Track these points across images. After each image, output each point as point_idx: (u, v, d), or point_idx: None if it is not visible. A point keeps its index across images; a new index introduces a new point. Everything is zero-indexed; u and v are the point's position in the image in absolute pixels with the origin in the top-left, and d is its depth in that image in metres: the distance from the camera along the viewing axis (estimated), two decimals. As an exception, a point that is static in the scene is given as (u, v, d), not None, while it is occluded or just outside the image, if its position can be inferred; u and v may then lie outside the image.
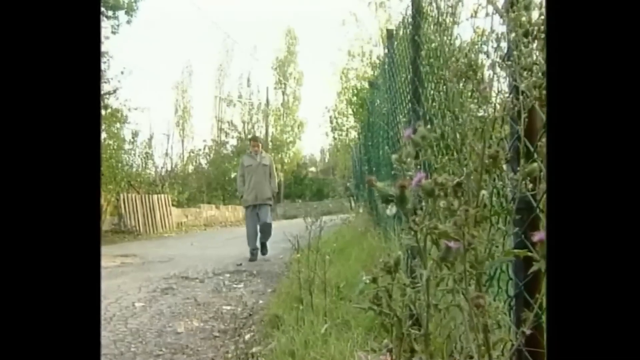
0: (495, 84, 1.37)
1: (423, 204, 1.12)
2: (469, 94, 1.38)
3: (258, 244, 9.56)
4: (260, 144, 10.05)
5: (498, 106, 1.31)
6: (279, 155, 35.03)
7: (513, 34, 1.21)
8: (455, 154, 1.49)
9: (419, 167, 1.24)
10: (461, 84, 1.28)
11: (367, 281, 1.27)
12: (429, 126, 1.27)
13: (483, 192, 1.15)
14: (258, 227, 9.54)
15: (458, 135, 1.28)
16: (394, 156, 1.25)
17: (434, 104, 2.73)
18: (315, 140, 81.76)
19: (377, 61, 14.23)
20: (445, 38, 2.74)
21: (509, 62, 1.22)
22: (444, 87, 2.66)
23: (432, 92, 3.24)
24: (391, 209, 1.07)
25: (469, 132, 1.23)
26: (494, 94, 1.36)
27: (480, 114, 1.34)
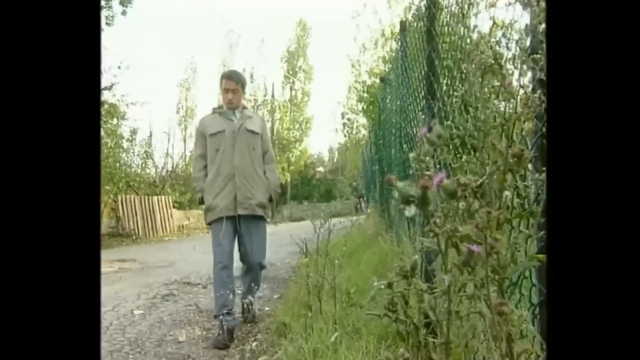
0: (517, 78, 1.37)
1: (441, 205, 1.12)
2: (491, 88, 1.37)
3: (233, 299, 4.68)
4: (239, 87, 4.94)
5: (520, 102, 1.31)
6: (286, 155, 35.00)
7: (543, 25, 1.20)
8: (473, 152, 1.49)
9: (438, 166, 1.24)
10: (485, 78, 1.28)
11: (382, 287, 1.27)
12: (447, 123, 1.27)
13: (506, 193, 1.15)
14: (242, 268, 5.07)
15: (479, 133, 1.27)
16: (411, 155, 1.24)
17: (454, 99, 2.72)
18: (323, 139, 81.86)
19: (389, 55, 14.21)
20: (463, 30, 2.73)
21: (538, 55, 1.21)
22: (462, 81, 2.65)
23: (448, 87, 3.23)
24: (410, 210, 1.07)
25: (492, 130, 1.23)
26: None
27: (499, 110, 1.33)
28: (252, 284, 4.93)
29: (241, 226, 4.79)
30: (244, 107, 5.05)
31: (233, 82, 4.90)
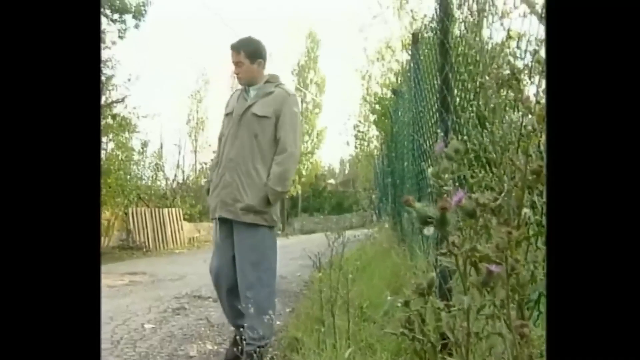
0: (535, 93, 1.36)
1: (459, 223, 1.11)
2: (508, 102, 1.37)
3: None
4: (244, 57, 3.96)
5: (537, 116, 1.30)
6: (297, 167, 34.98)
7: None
8: (489, 167, 1.48)
9: (456, 183, 1.23)
10: (502, 92, 1.27)
11: (399, 304, 1.26)
12: (465, 137, 1.26)
13: (525, 210, 1.14)
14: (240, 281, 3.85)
15: (498, 148, 1.26)
16: (430, 170, 1.23)
17: (470, 113, 2.71)
18: (335, 151, 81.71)
19: (402, 67, 14.23)
20: (477, 42, 2.72)
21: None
22: (477, 95, 2.64)
23: (462, 100, 3.22)
24: (428, 230, 1.06)
25: (509, 145, 1.22)
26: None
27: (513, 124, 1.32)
28: (255, 316, 3.59)
29: (233, 233, 3.87)
30: (267, 81, 4.02)
31: (235, 52, 3.99)
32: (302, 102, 38.70)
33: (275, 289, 4.03)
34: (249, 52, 3.98)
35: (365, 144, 23.68)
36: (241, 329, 3.60)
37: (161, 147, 25.69)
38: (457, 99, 3.30)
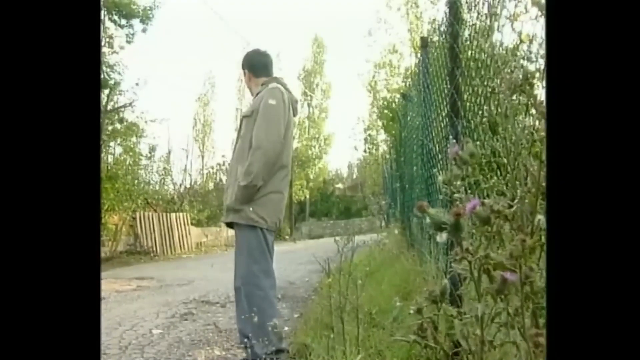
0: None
1: (472, 230, 1.10)
2: (520, 107, 1.36)
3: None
4: (244, 70, 4.26)
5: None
6: (305, 171, 35.00)
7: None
8: (499, 171, 1.47)
9: (468, 191, 1.22)
10: (514, 97, 1.26)
11: (411, 311, 1.25)
12: (477, 142, 1.25)
13: (539, 217, 1.12)
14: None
15: (511, 153, 1.25)
16: (441, 177, 1.23)
17: (483, 119, 2.70)
18: (342, 155, 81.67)
19: (409, 72, 14.21)
20: (487, 46, 2.72)
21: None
22: (487, 100, 2.63)
23: (472, 105, 3.20)
24: (442, 237, 1.05)
25: (523, 150, 1.21)
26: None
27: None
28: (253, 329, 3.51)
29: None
30: (263, 84, 4.01)
31: (243, 69, 4.27)
32: (308, 106, 38.71)
33: (274, 293, 3.96)
34: (244, 66, 4.24)
35: (374, 148, 23.68)
36: (245, 340, 3.61)
37: (169, 151, 25.79)
38: (467, 104, 3.29)
